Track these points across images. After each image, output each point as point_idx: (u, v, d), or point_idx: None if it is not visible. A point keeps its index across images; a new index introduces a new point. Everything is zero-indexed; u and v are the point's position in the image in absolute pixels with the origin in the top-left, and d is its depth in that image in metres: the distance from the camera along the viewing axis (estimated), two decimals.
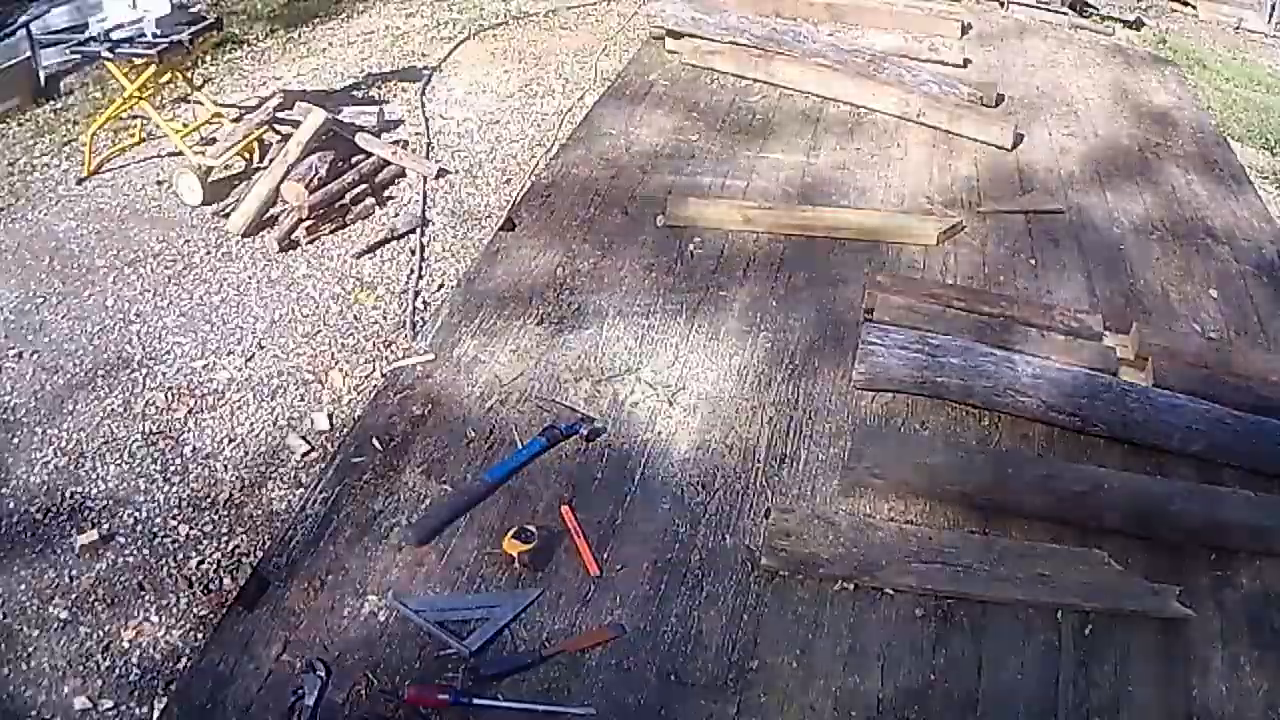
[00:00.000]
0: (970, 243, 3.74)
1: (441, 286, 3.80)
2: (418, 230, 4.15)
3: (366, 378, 3.39)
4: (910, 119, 4.61)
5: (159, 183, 4.46)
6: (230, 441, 3.15)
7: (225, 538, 2.84)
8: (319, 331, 3.62)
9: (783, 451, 2.71)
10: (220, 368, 3.44)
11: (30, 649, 2.51)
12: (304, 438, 3.15)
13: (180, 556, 2.78)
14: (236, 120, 4.54)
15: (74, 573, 2.71)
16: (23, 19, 5.09)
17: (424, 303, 3.72)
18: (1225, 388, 2.91)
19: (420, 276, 3.87)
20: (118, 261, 3.95)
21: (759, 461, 2.67)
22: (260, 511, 2.93)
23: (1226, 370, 3.01)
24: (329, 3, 6.57)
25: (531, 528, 2.35)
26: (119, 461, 3.06)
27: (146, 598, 2.66)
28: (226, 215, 4.19)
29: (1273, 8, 7.15)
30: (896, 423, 2.84)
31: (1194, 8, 7.31)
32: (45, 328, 3.60)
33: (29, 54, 5.00)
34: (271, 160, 4.30)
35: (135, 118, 4.72)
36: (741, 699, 2.07)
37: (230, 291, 3.81)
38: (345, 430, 3.00)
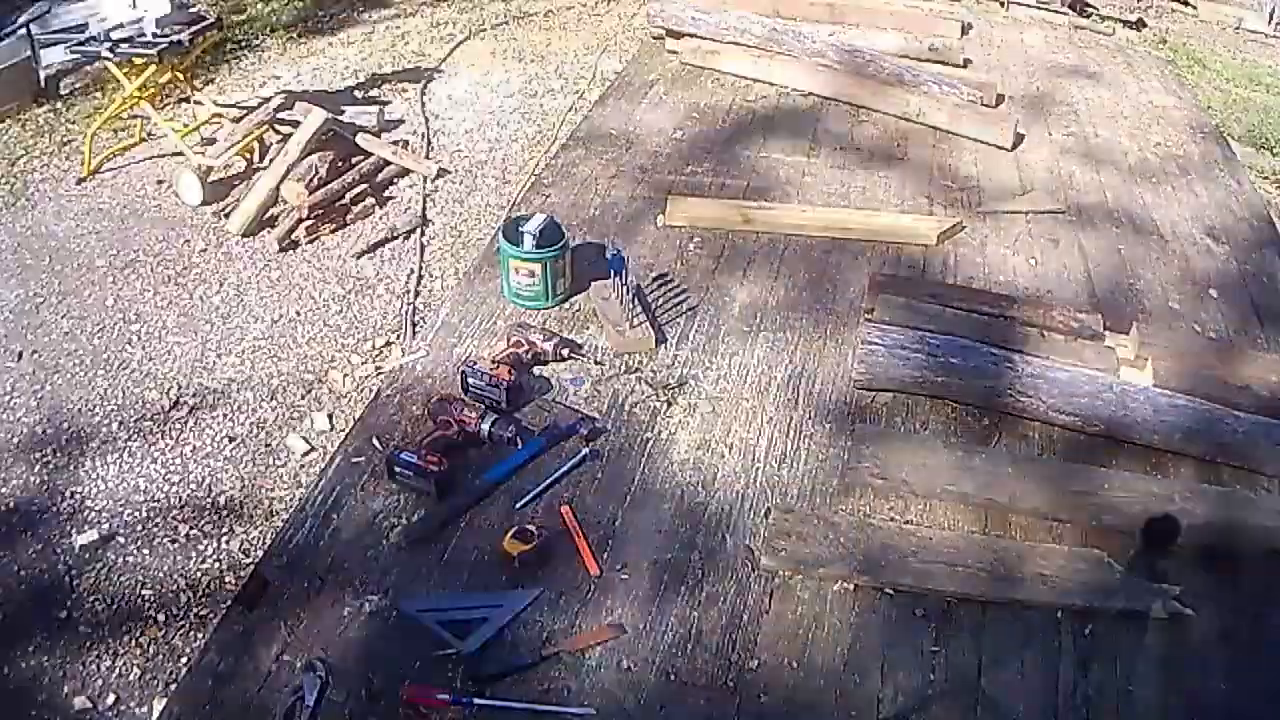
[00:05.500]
0: (970, 243, 3.74)
1: (441, 286, 3.81)
2: (418, 230, 4.15)
3: (366, 378, 3.39)
4: (910, 119, 4.61)
5: (159, 183, 4.46)
6: (230, 441, 3.16)
7: (225, 538, 2.85)
8: (319, 331, 3.63)
9: (783, 451, 2.71)
10: (220, 368, 3.45)
11: (30, 649, 2.52)
12: (304, 438, 3.16)
13: (180, 556, 2.78)
14: (237, 120, 4.54)
15: (74, 572, 2.72)
16: (23, 19, 5.09)
17: (424, 303, 3.72)
18: (1225, 388, 2.91)
19: (420, 276, 3.88)
20: (118, 261, 3.96)
21: (759, 461, 2.67)
22: (260, 511, 2.93)
23: (1227, 370, 3.00)
24: (330, 3, 6.57)
25: (531, 528, 2.35)
26: (119, 461, 3.06)
27: (146, 597, 2.67)
28: (226, 215, 4.19)
29: (1273, 8, 7.15)
30: (896, 423, 2.84)
31: (1194, 8, 7.31)
32: (45, 328, 3.60)
33: (29, 54, 5.01)
34: (271, 160, 4.30)
35: (135, 118, 4.72)
36: (741, 699, 2.07)
37: (230, 291, 3.81)
38: (345, 430, 3.00)
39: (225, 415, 3.26)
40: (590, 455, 2.63)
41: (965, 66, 5.26)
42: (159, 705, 2.34)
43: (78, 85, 5.23)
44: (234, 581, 2.67)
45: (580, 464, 2.60)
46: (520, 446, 2.63)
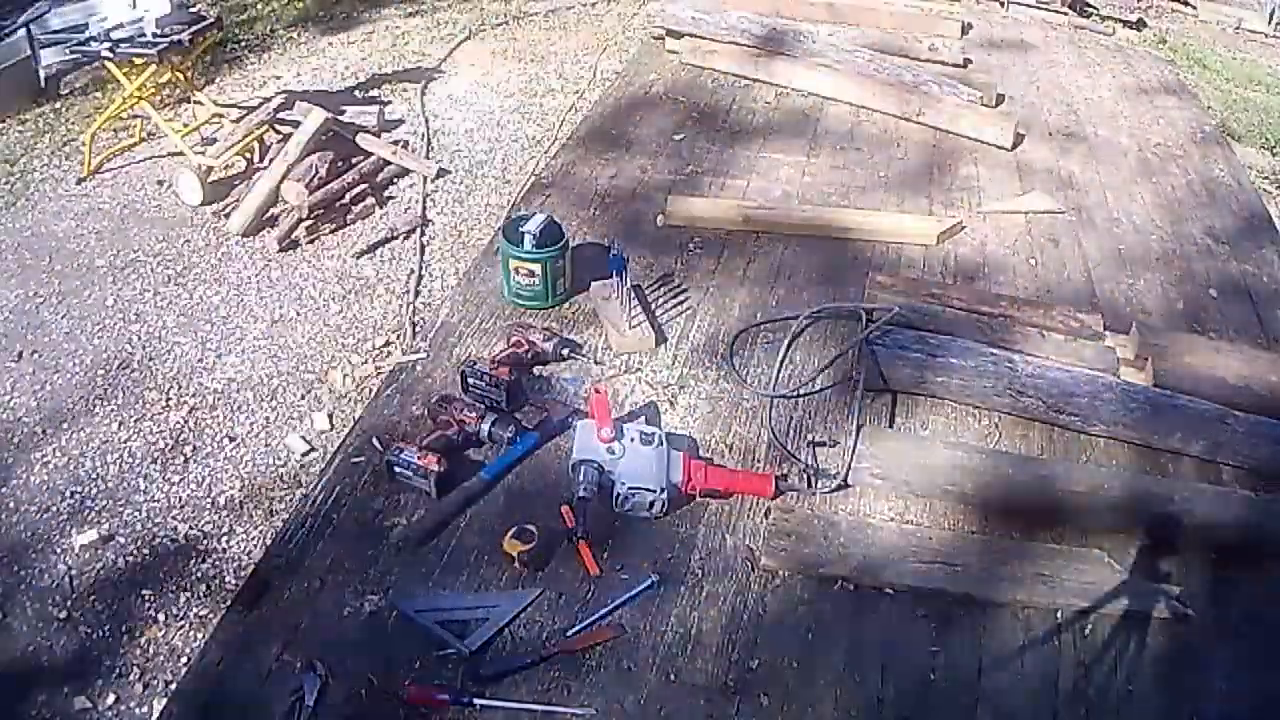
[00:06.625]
0: (970, 243, 3.74)
1: (441, 286, 3.81)
2: (418, 230, 4.15)
3: (366, 378, 3.39)
4: (910, 119, 4.61)
5: (159, 183, 4.46)
6: (230, 441, 3.16)
7: (225, 538, 2.85)
8: (319, 331, 3.63)
9: (782, 451, 2.71)
10: (220, 368, 3.45)
11: (30, 648, 2.52)
12: (304, 438, 3.16)
13: (181, 555, 2.78)
14: (237, 120, 4.55)
15: (74, 573, 2.72)
16: (23, 19, 5.09)
17: (424, 303, 3.72)
18: (1225, 388, 2.91)
19: (420, 276, 3.88)
20: (118, 261, 3.96)
21: (758, 461, 2.67)
22: (260, 511, 2.93)
23: (1226, 370, 3.01)
24: (330, 3, 6.57)
25: (531, 527, 2.34)
26: (119, 461, 3.06)
27: (146, 597, 2.67)
28: (226, 215, 4.19)
29: (1273, 8, 7.15)
30: (897, 423, 2.84)
31: (1194, 8, 7.32)
32: (45, 328, 3.60)
33: (29, 54, 5.01)
34: (271, 160, 4.30)
35: (135, 118, 4.72)
36: (741, 699, 2.07)
37: (230, 291, 3.81)
38: (345, 430, 3.00)
39: (225, 415, 3.26)
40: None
41: (965, 66, 5.26)
42: (159, 705, 2.34)
43: (78, 85, 5.23)
44: (234, 581, 2.67)
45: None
46: (516, 441, 2.63)
